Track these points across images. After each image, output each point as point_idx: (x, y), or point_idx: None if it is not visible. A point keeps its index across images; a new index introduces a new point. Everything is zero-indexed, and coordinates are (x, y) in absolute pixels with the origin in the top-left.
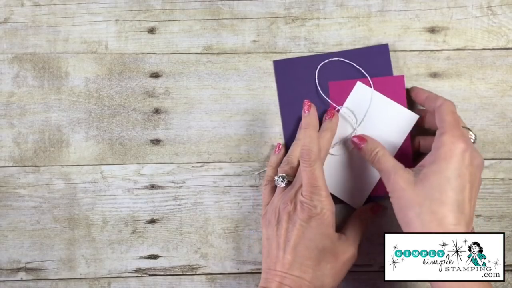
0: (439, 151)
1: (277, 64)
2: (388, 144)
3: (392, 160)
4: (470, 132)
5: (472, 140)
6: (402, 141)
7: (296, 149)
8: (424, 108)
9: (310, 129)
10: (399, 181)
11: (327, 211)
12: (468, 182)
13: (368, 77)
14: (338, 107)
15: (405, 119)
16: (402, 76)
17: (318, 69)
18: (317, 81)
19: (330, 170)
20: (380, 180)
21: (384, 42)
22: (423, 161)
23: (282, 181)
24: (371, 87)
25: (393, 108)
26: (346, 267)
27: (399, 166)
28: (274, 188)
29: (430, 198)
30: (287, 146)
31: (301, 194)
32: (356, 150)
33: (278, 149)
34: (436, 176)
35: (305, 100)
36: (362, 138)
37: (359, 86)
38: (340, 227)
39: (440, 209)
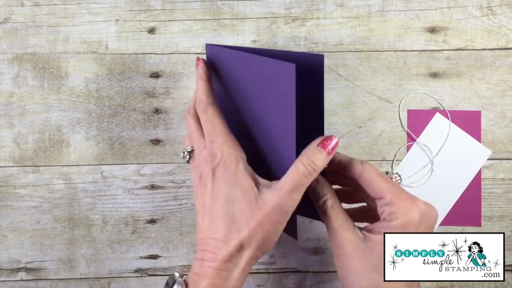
0: (391, 224)
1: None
2: (460, 178)
3: (341, 215)
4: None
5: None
6: (474, 175)
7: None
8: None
9: (197, 81)
10: (346, 246)
11: (229, 155)
12: None
13: (446, 110)
14: (416, 139)
15: (478, 153)
16: (479, 112)
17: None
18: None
19: None
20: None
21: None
22: (373, 225)
23: (183, 157)
24: (448, 119)
25: (467, 142)
26: (271, 219)
27: (347, 225)
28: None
29: (378, 272)
30: None
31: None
32: (431, 181)
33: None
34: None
35: (196, 57)
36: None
37: (437, 117)
38: None
39: (388, 285)
